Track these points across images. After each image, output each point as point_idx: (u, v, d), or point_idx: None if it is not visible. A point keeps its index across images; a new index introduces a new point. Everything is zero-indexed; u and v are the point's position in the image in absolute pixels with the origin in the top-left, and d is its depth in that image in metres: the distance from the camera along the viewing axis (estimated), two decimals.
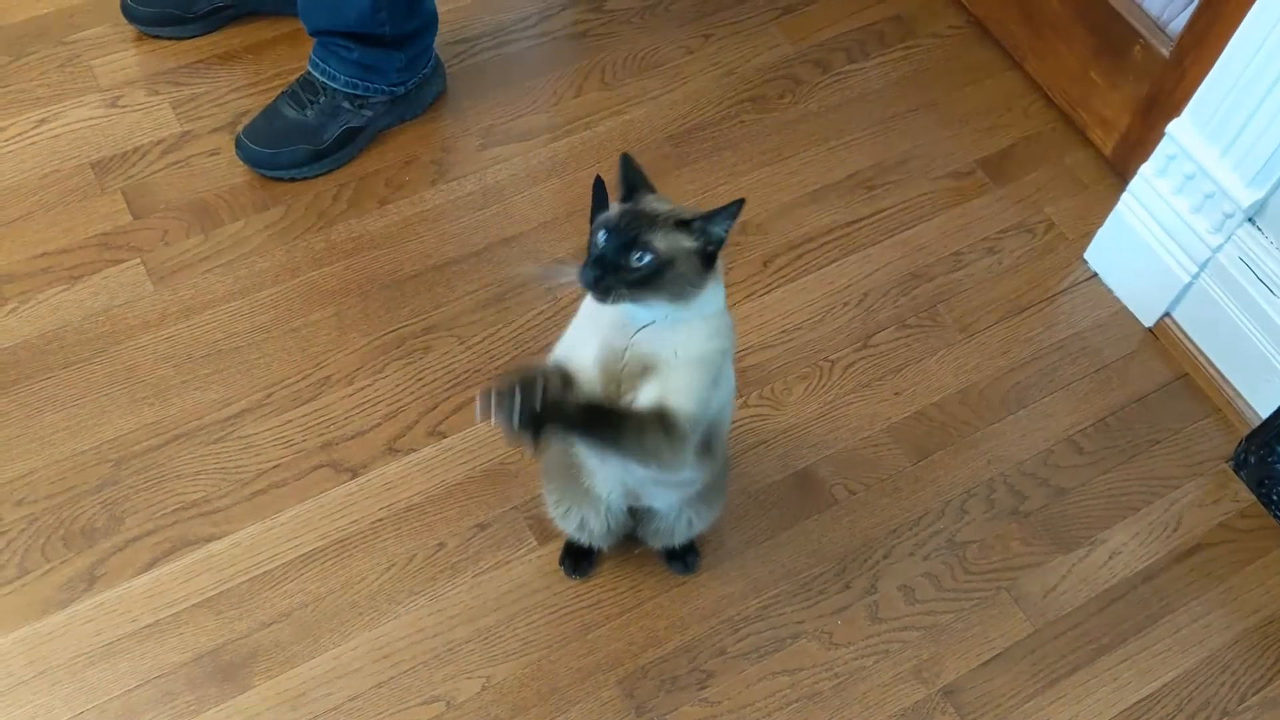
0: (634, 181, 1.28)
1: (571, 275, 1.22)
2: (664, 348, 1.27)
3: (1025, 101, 2.26)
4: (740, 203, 1.22)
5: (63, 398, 1.75)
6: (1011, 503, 1.81)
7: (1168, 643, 1.72)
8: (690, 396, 1.28)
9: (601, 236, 1.22)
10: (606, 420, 1.29)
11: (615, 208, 1.26)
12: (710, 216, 1.22)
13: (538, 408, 1.21)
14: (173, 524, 1.67)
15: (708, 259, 1.24)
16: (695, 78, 2.22)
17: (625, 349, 1.28)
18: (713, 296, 1.28)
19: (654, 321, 1.27)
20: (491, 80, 2.17)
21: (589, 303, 1.32)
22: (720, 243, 1.24)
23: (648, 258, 1.20)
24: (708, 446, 1.39)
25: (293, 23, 2.14)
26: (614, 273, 1.20)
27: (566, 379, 1.32)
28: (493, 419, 1.21)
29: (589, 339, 1.32)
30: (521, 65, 2.20)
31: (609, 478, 1.48)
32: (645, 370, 1.28)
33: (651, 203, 1.26)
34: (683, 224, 1.22)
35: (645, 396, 1.29)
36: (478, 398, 1.22)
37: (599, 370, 1.31)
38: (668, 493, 1.51)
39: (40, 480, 1.68)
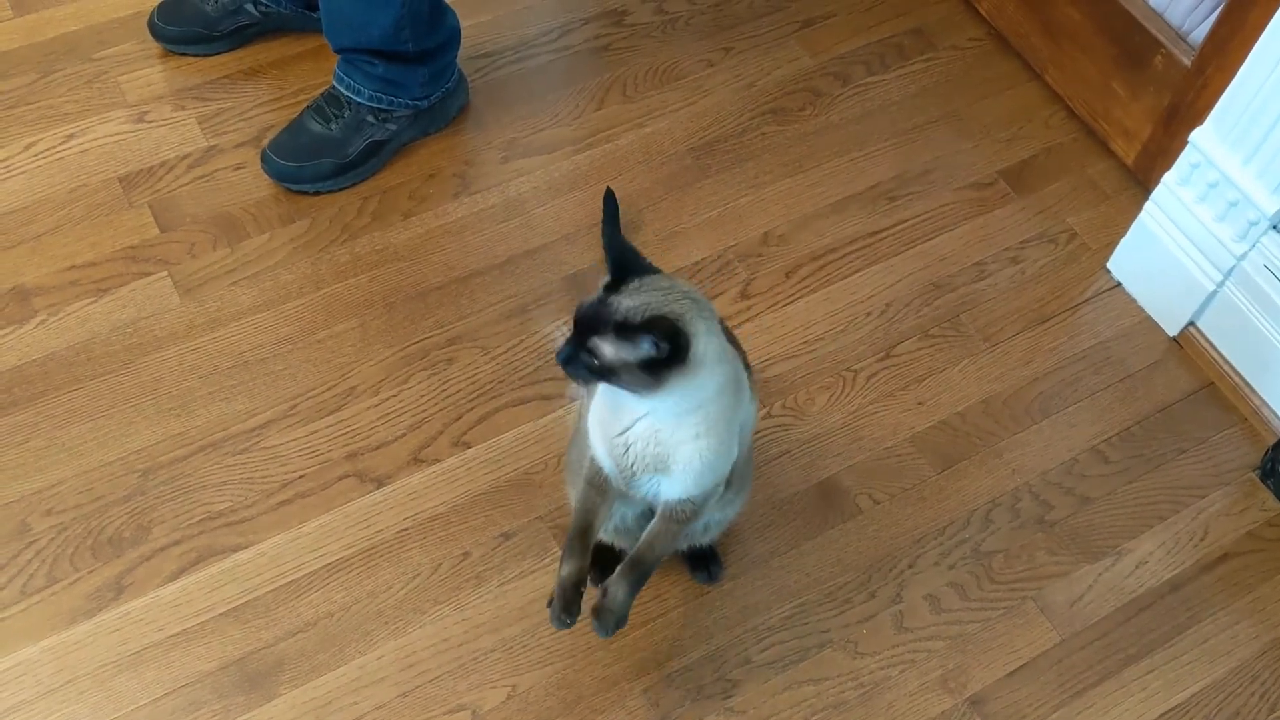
0: (625, 262, 1.21)
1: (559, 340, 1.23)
2: (663, 445, 1.27)
3: (1046, 112, 2.26)
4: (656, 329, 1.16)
5: (90, 409, 1.77)
6: (1037, 512, 1.81)
7: (1195, 653, 1.71)
8: (701, 485, 1.30)
9: (573, 326, 1.20)
10: (640, 573, 1.38)
11: (593, 295, 1.21)
12: (640, 328, 1.16)
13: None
14: (199, 534, 1.68)
15: (663, 363, 1.17)
16: (716, 90, 2.23)
17: (624, 443, 1.29)
18: (698, 386, 1.22)
19: (646, 414, 1.25)
20: (514, 94, 2.18)
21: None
22: (670, 351, 1.16)
23: (595, 361, 1.19)
24: (727, 481, 1.38)
25: (316, 39, 2.16)
26: (577, 362, 1.20)
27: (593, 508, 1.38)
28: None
29: (595, 427, 1.33)
30: (543, 79, 2.21)
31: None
32: (655, 462, 1.28)
33: (628, 295, 1.19)
34: (624, 331, 1.16)
35: (664, 492, 1.32)
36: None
37: (609, 459, 1.32)
38: None
39: (68, 490, 1.70)
